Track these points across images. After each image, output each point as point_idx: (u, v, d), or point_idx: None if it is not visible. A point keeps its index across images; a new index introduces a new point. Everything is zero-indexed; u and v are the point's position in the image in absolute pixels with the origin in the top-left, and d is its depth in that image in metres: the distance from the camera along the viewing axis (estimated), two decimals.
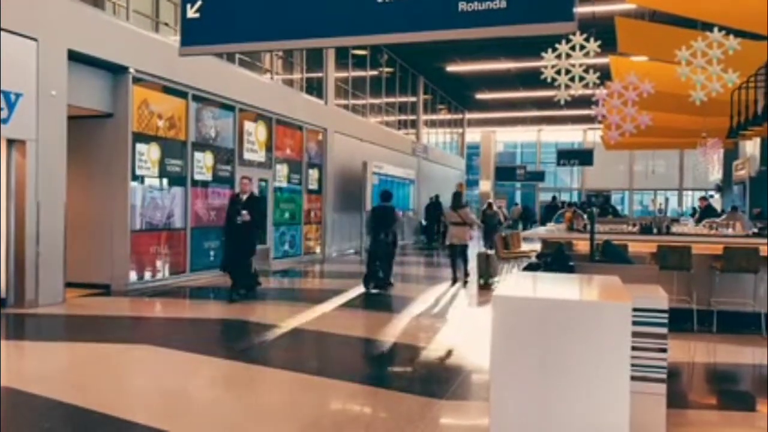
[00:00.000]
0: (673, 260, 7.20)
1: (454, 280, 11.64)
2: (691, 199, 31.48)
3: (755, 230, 9.22)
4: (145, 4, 10.76)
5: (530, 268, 4.77)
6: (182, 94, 11.13)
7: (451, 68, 21.32)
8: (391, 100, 22.10)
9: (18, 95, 7.96)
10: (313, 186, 16.23)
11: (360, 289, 10.61)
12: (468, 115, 31.77)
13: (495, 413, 2.90)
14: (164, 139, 10.71)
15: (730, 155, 21.19)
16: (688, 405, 4.90)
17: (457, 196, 12.25)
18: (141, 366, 5.89)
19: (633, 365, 2.86)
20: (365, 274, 10.59)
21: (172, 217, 10.96)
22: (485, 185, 33.94)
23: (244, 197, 9.23)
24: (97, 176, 9.91)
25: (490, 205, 18.48)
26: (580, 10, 3.83)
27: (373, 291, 10.34)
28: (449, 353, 6.46)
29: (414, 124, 24.65)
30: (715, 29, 5.47)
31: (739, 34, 5.64)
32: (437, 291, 10.83)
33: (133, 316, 8.44)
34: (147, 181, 10.37)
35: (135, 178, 10.05)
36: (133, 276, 10.03)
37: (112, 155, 9.85)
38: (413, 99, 24.32)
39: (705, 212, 15.41)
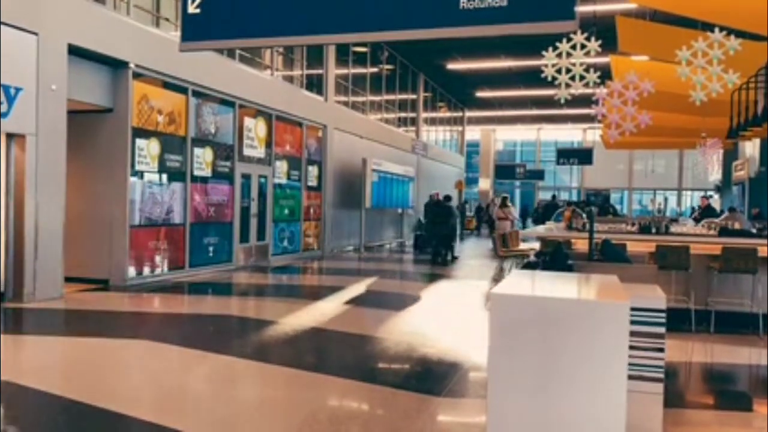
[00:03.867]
0: (671, 260, 7.21)
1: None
2: (690, 199, 31.51)
3: (753, 230, 9.24)
4: None
5: (529, 266, 4.78)
6: (182, 90, 11.12)
7: (452, 66, 21.31)
8: (391, 97, 22.09)
9: (18, 89, 7.95)
10: (313, 183, 16.22)
11: (358, 286, 10.64)
12: (468, 113, 31.75)
13: (492, 411, 2.91)
14: (164, 134, 10.70)
15: (730, 156, 21.21)
16: (685, 404, 4.91)
17: (504, 198, 17.34)
18: (139, 361, 5.89)
19: (630, 364, 2.86)
20: (432, 254, 15.13)
21: (171, 212, 10.96)
22: (485, 183, 33.92)
23: None
24: (97, 171, 9.90)
25: (499, 201, 19.22)
26: (580, 9, 3.83)
27: (439, 263, 14.43)
28: (448, 350, 6.47)
29: (414, 121, 24.64)
30: (716, 29, 5.47)
31: (739, 34, 5.64)
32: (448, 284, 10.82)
33: (131, 312, 8.44)
34: (146, 176, 10.36)
35: (134, 173, 10.04)
36: (131, 271, 10.03)
37: (112, 150, 9.84)
38: (413, 96, 24.30)
39: (705, 212, 15.43)
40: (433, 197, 19.78)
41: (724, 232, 8.28)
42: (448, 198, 16.52)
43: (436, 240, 15.07)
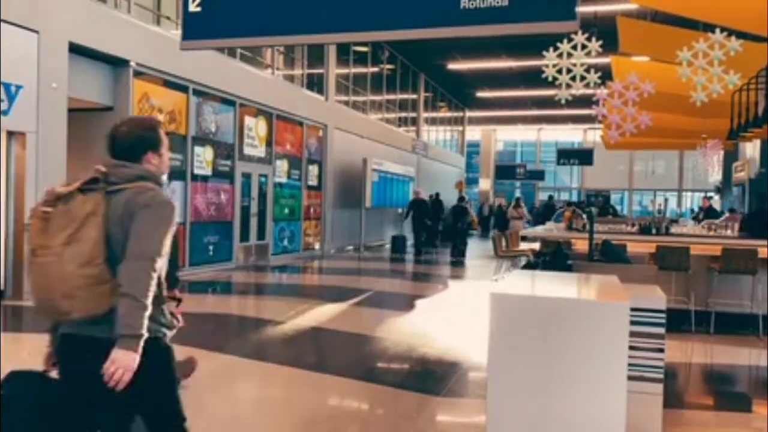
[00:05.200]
0: (671, 261, 7.20)
1: None
2: (690, 200, 31.47)
3: None
4: None
5: (528, 266, 4.79)
6: (183, 89, 11.12)
7: (452, 66, 21.29)
8: (391, 97, 22.08)
9: (18, 87, 7.95)
10: (313, 182, 16.22)
11: (358, 286, 10.64)
12: (468, 113, 31.73)
13: (492, 411, 2.91)
14: (164, 133, 10.67)
15: (730, 157, 21.18)
16: (684, 405, 4.91)
17: (518, 200, 19.68)
18: None
19: (630, 365, 2.86)
20: (451, 249, 16.68)
21: None
22: (485, 183, 33.90)
23: None
24: None
25: (513, 202, 20.99)
26: (582, 9, 3.84)
27: (455, 259, 15.85)
28: (448, 350, 6.47)
29: (414, 121, 24.63)
30: (717, 30, 5.47)
31: (740, 35, 5.64)
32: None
33: None
34: None
35: None
36: None
37: None
38: (414, 96, 24.29)
39: (706, 213, 15.43)
40: (432, 196, 19.86)
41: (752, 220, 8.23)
42: (462, 199, 18.82)
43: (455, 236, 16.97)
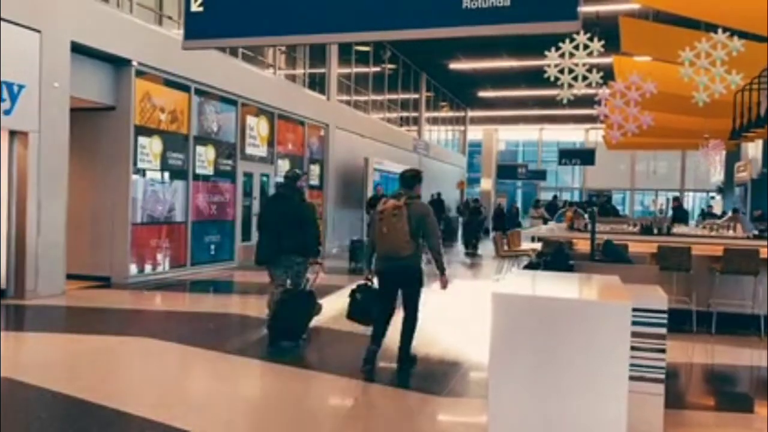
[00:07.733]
0: (673, 261, 7.20)
1: None
2: (692, 201, 31.43)
3: (755, 232, 9.23)
4: None
5: (530, 266, 4.78)
6: (185, 88, 11.12)
7: (454, 65, 21.28)
8: (393, 96, 22.07)
9: (21, 86, 7.96)
10: (315, 181, 16.22)
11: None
12: (470, 113, 31.72)
13: (493, 410, 2.91)
14: (166, 132, 10.71)
15: (732, 157, 21.17)
16: (686, 406, 4.91)
17: (537, 201, 21.43)
18: (139, 358, 5.90)
19: (632, 365, 2.86)
20: (465, 243, 18.77)
21: (173, 210, 10.97)
22: (486, 183, 33.88)
23: None
24: (99, 169, 9.92)
25: (533, 203, 22.30)
26: (584, 9, 3.83)
27: (470, 252, 17.70)
28: (449, 349, 6.46)
29: (416, 121, 24.62)
30: (719, 30, 5.47)
31: (743, 35, 5.63)
32: None
33: (132, 309, 8.45)
34: (148, 174, 10.37)
35: (136, 171, 10.05)
36: (133, 269, 10.04)
37: (114, 148, 9.85)
38: (415, 96, 24.29)
39: (676, 212, 15.37)
40: (433, 196, 19.86)
41: None
42: (476, 200, 21.59)
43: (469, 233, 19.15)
